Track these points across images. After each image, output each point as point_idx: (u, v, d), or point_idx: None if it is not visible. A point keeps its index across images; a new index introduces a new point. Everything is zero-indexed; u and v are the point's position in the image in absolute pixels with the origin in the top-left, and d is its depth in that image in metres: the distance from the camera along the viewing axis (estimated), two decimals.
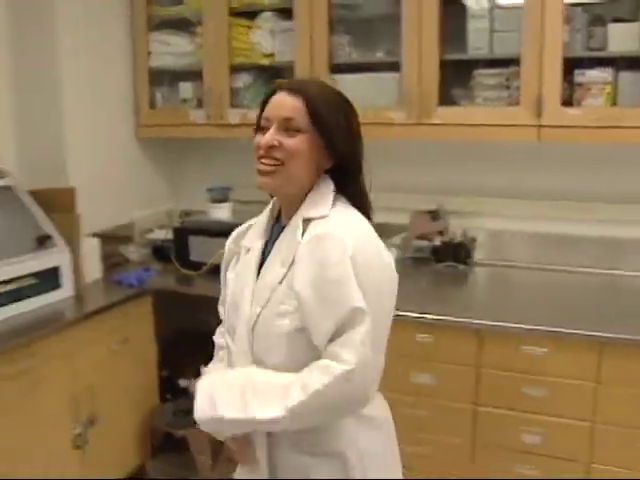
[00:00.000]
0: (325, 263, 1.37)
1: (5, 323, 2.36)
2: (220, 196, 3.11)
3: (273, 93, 1.49)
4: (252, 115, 3.00)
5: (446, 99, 2.80)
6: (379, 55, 2.97)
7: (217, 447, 2.81)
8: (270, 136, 1.43)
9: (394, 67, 2.86)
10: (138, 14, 3.33)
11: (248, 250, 1.58)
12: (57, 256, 2.60)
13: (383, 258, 1.46)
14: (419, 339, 2.47)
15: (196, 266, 2.95)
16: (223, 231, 2.89)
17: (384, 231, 3.11)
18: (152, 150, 3.53)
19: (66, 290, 2.65)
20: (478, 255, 3.09)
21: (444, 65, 2.75)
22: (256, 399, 1.39)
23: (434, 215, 3.15)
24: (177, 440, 2.85)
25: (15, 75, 3.00)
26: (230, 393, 1.43)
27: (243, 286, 1.53)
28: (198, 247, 3.00)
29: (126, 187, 3.32)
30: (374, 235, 1.48)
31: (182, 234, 3.06)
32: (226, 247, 1.68)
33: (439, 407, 2.51)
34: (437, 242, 3.08)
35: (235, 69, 3.16)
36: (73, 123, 3.01)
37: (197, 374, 3.19)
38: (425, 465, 2.53)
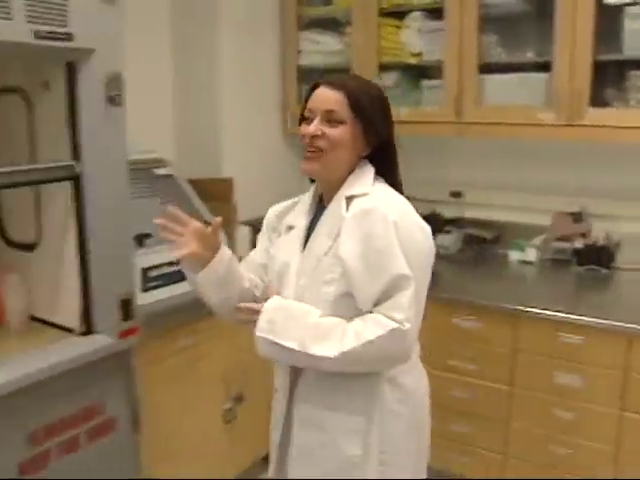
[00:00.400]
0: (371, 235, 1.50)
1: (169, 302, 2.54)
2: None
3: (316, 87, 1.64)
4: (400, 113, 3.14)
5: (598, 100, 2.77)
6: (529, 55, 2.97)
7: None
8: (314, 126, 1.58)
9: (543, 67, 2.85)
10: (288, 14, 3.48)
11: (290, 228, 1.73)
12: None
13: (423, 230, 1.58)
14: (565, 339, 2.47)
15: None
16: None
17: (523, 232, 3.16)
18: (299, 145, 3.64)
19: None
20: (620, 259, 3.04)
21: (596, 65, 2.73)
22: (313, 335, 1.52)
23: (576, 217, 3.12)
24: None
25: (176, 72, 3.21)
26: (290, 323, 1.55)
27: (288, 259, 1.67)
28: None
29: (272, 180, 3.47)
30: (412, 209, 1.61)
31: None
32: (266, 220, 1.84)
33: (584, 410, 2.51)
34: (579, 245, 3.05)
35: (383, 68, 3.25)
36: (228, 118, 3.20)
37: None
38: (566, 467, 2.54)
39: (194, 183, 2.91)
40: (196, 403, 2.59)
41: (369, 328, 1.49)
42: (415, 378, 1.72)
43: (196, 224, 1.65)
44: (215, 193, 2.92)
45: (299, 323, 1.54)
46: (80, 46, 1.90)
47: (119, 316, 2.12)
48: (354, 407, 1.62)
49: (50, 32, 1.82)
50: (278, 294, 1.64)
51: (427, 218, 3.04)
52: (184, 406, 2.54)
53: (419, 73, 3.26)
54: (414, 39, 3.19)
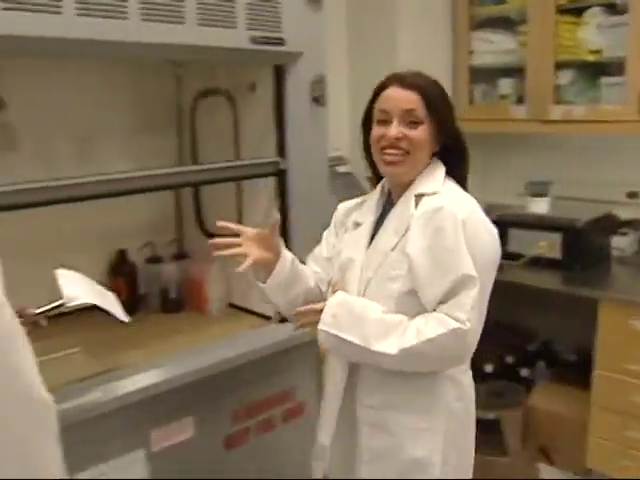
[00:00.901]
0: (440, 233, 1.49)
1: None
2: (540, 190, 3.17)
3: (384, 87, 1.61)
4: (576, 111, 3.10)
5: None
6: None
7: (528, 432, 2.91)
8: (395, 129, 1.56)
9: None
10: (461, 13, 3.49)
11: (358, 225, 1.72)
12: None
13: (490, 232, 1.57)
14: None
15: (514, 257, 3.04)
16: (544, 225, 3.02)
17: None
18: (468, 144, 3.65)
19: None
20: None
21: None
22: (375, 331, 1.51)
23: None
24: (488, 421, 2.98)
25: (352, 70, 3.31)
26: (353, 318, 1.54)
27: (353, 255, 1.67)
28: (517, 239, 3.08)
29: None
30: (480, 210, 1.59)
31: (501, 226, 3.16)
32: (335, 216, 1.83)
33: None
34: None
35: (559, 66, 3.19)
36: None
37: (499, 361, 3.30)
38: None
39: (371, 181, 2.99)
40: None
41: (430, 326, 1.47)
42: (469, 375, 1.71)
43: (250, 230, 1.67)
44: None
45: (362, 319, 1.54)
46: (290, 50, 2.03)
47: None
48: (418, 406, 1.61)
49: (264, 37, 1.96)
50: (344, 291, 1.63)
51: (601, 219, 3.04)
52: None
53: (597, 70, 3.18)
54: (593, 35, 3.11)
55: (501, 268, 3.11)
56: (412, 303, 1.53)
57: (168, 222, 2.59)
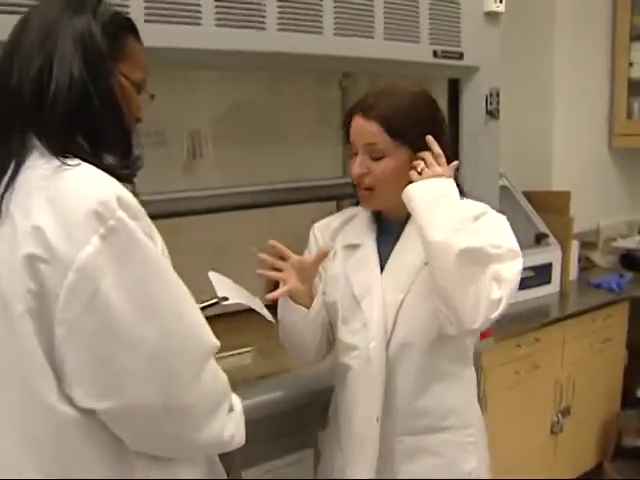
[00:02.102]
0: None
1: (518, 307, 2.61)
2: None
3: (350, 117, 1.48)
4: None
5: None
6: None
7: None
8: (357, 166, 1.45)
9: None
10: (621, 23, 3.39)
11: (354, 247, 1.57)
12: (551, 254, 2.82)
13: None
14: None
15: None
16: None
17: None
18: (623, 160, 3.56)
19: (554, 286, 2.86)
20: None
21: None
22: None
23: None
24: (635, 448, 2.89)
25: (506, 81, 3.27)
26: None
27: (367, 280, 1.52)
28: None
29: (596, 194, 3.42)
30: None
31: None
32: (314, 239, 1.65)
33: None
34: None
35: None
36: (558, 129, 3.21)
37: None
38: None
39: (528, 195, 2.96)
40: (526, 410, 2.63)
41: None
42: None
43: (295, 257, 1.52)
44: (548, 206, 2.94)
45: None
46: (468, 64, 2.04)
47: None
48: (460, 421, 1.54)
49: (445, 51, 1.98)
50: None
51: None
52: (514, 412, 2.59)
53: None
54: None
55: None
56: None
57: None
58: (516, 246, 1.44)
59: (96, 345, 0.94)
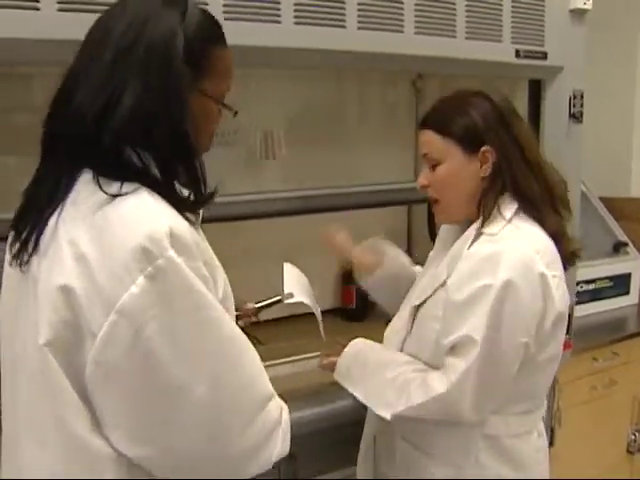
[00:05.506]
0: (471, 281, 1.27)
1: (585, 320, 2.52)
2: None
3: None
4: None
5: None
6: None
7: None
8: (420, 178, 1.45)
9: None
10: None
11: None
12: (630, 264, 2.70)
13: (541, 289, 1.27)
14: None
15: None
16: None
17: None
18: None
19: (632, 297, 2.75)
20: None
21: None
22: (374, 391, 1.41)
23: None
24: None
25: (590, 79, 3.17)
26: (365, 372, 1.45)
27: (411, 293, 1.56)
28: None
29: None
30: (545, 261, 1.29)
31: None
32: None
33: None
34: None
35: None
36: (638, 133, 3.09)
37: None
38: None
39: (605, 201, 2.85)
40: (601, 427, 2.52)
41: (415, 392, 1.33)
42: (531, 448, 1.44)
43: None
44: (627, 213, 2.83)
45: (371, 375, 1.44)
46: (552, 64, 1.96)
47: None
48: (445, 457, 1.41)
49: (528, 51, 1.91)
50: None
51: None
52: (589, 428, 2.48)
53: None
54: None
55: None
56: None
57: (400, 233, 2.60)
58: (476, 332, 1.26)
59: (136, 390, 0.89)
